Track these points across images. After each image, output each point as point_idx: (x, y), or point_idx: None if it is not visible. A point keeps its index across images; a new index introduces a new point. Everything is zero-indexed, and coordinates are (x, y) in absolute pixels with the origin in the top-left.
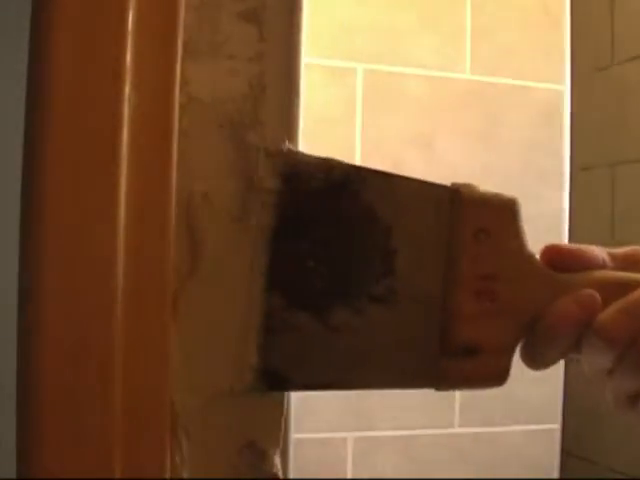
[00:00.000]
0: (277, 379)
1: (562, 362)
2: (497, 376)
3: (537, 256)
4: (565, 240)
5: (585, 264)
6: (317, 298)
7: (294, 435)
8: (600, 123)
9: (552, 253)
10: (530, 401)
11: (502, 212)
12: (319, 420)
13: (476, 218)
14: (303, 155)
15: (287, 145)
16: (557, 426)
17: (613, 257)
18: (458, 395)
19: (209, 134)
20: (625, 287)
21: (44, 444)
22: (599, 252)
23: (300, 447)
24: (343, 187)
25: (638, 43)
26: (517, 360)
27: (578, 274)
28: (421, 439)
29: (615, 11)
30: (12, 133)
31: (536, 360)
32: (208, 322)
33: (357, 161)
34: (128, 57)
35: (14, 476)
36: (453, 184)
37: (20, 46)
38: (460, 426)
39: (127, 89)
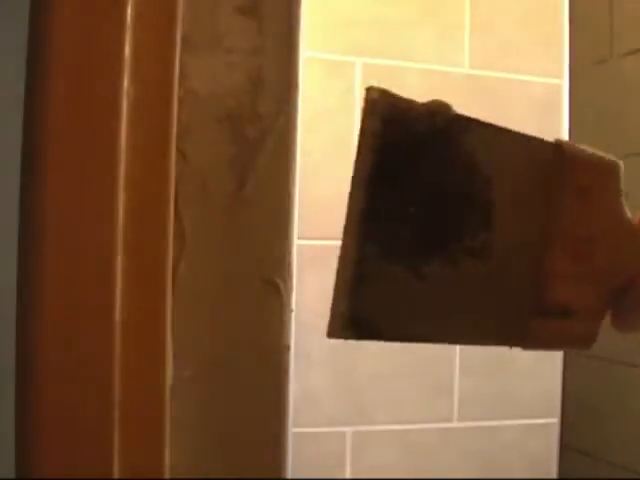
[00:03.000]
0: (366, 328)
1: (560, 355)
2: (585, 339)
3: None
4: None
5: None
6: (411, 248)
7: (293, 429)
8: (599, 117)
9: None
10: (529, 395)
11: (605, 173)
12: (318, 414)
13: (579, 177)
14: (406, 100)
15: (390, 89)
16: (556, 420)
17: None
18: (457, 389)
19: (208, 128)
20: None
21: (43, 442)
22: None
23: (299, 441)
24: (445, 134)
25: (637, 37)
26: (515, 356)
27: None
28: (420, 433)
29: (614, 4)
30: (12, 127)
31: (626, 325)
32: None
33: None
34: (127, 51)
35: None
36: (557, 140)
37: (20, 40)
38: (459, 420)
39: (126, 83)
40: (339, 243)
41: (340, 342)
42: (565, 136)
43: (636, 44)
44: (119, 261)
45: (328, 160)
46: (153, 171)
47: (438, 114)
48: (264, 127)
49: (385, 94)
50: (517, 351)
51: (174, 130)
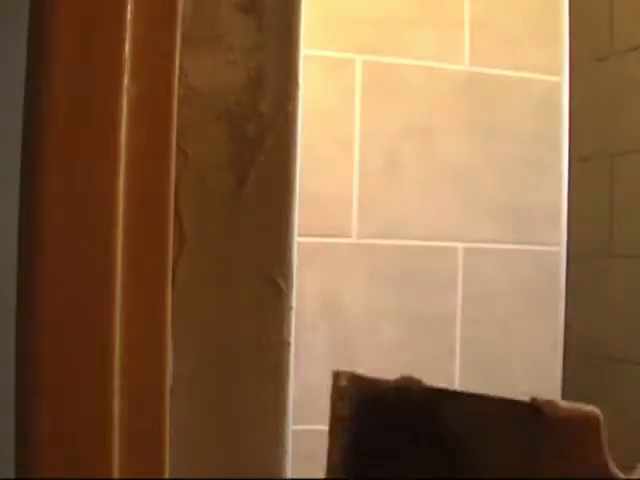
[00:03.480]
0: None
1: (559, 354)
2: None
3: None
4: (563, 231)
5: None
6: None
7: (293, 427)
8: (599, 114)
9: None
10: (528, 394)
11: (585, 430)
12: (318, 412)
13: (559, 438)
14: (375, 380)
15: (358, 371)
16: None
17: None
18: (457, 386)
19: (208, 125)
20: None
21: (43, 442)
22: None
23: (299, 439)
24: (415, 408)
25: (637, 34)
26: (515, 355)
27: None
28: None
29: (614, 2)
30: (12, 127)
31: None
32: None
33: (356, 152)
34: (127, 48)
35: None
36: (534, 400)
37: (20, 39)
38: None
39: (126, 81)
40: (339, 240)
41: (340, 339)
42: (565, 133)
43: (636, 41)
44: (119, 260)
45: (328, 157)
46: (153, 169)
47: (407, 390)
48: (264, 125)
49: (353, 379)
50: (517, 351)
51: (174, 128)
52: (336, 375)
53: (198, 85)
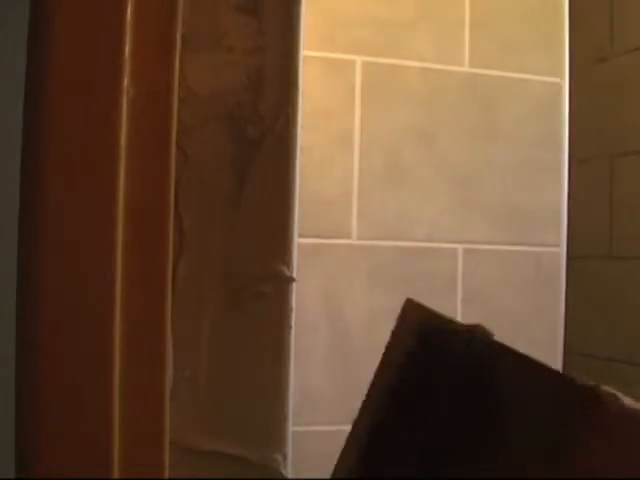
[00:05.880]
0: None
1: (560, 354)
2: None
3: None
4: (564, 232)
5: None
6: (425, 467)
7: (293, 428)
8: (599, 115)
9: None
10: None
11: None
12: (318, 413)
13: (611, 433)
14: (446, 319)
15: (428, 307)
16: None
17: None
18: None
19: (208, 127)
20: None
21: (43, 442)
22: None
23: (299, 440)
24: (480, 363)
25: (637, 35)
26: (515, 348)
27: None
28: None
29: (614, 3)
30: (11, 126)
31: None
32: None
33: (356, 153)
34: (127, 50)
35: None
36: (596, 389)
37: (19, 40)
38: None
39: (126, 82)
40: (339, 241)
41: (340, 340)
42: (565, 135)
43: (636, 42)
44: (119, 261)
45: (328, 158)
46: (153, 170)
47: (478, 339)
48: (264, 126)
49: (420, 312)
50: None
51: (174, 129)
52: (407, 301)
53: (198, 86)
